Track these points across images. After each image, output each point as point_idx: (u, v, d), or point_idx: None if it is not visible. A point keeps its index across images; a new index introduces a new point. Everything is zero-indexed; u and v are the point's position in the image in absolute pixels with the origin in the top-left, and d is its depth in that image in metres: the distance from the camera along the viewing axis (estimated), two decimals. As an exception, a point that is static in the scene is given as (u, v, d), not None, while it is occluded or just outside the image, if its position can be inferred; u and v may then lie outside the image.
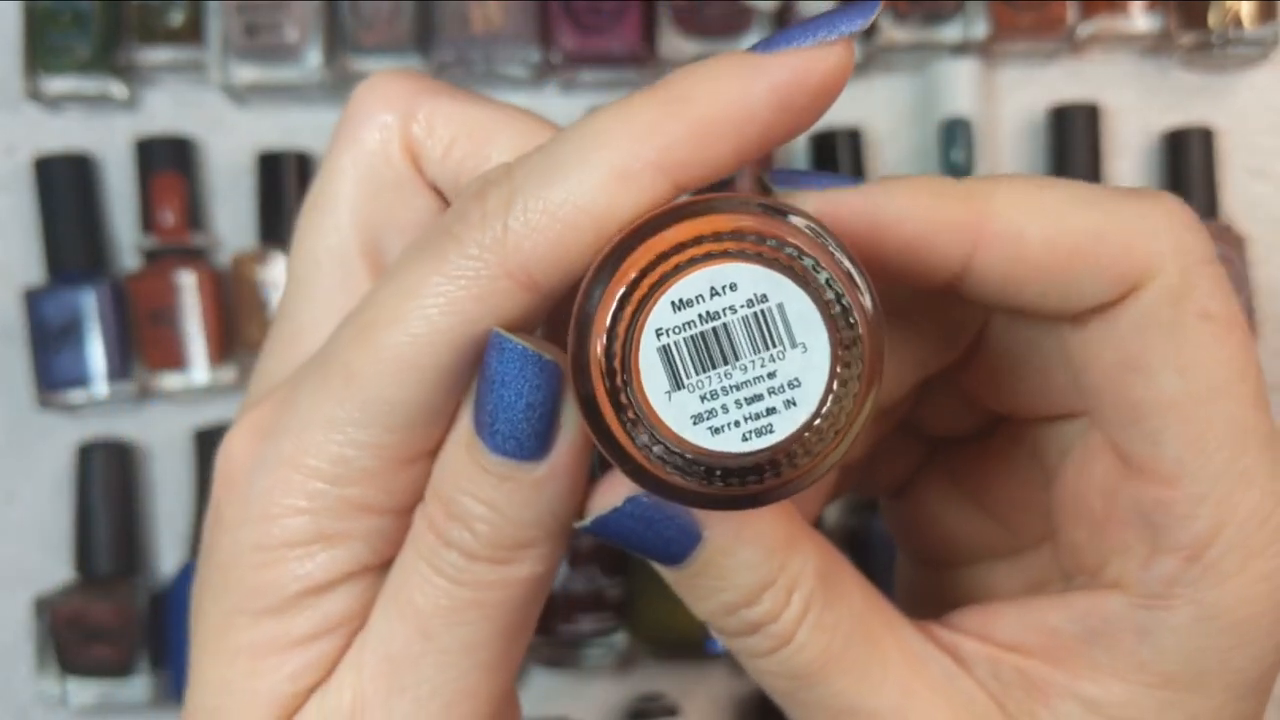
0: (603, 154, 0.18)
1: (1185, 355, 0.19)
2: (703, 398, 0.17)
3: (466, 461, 0.20)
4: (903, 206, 0.20)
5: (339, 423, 0.20)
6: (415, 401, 0.19)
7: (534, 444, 0.19)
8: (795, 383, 0.17)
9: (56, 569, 0.60)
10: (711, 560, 0.20)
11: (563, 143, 0.19)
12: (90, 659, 0.57)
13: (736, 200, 0.18)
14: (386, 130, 0.22)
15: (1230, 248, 0.59)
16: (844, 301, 0.17)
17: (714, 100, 0.18)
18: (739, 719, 0.62)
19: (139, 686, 0.57)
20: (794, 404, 0.17)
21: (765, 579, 0.21)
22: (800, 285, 0.17)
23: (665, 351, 0.17)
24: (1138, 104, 0.62)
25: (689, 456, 0.17)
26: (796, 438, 0.17)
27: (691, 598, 0.21)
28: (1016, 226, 0.20)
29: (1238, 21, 0.59)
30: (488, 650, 0.21)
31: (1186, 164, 0.60)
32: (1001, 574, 0.25)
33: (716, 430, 0.17)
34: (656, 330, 0.17)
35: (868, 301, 0.17)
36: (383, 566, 0.21)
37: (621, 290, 0.17)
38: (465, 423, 0.20)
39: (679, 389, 0.17)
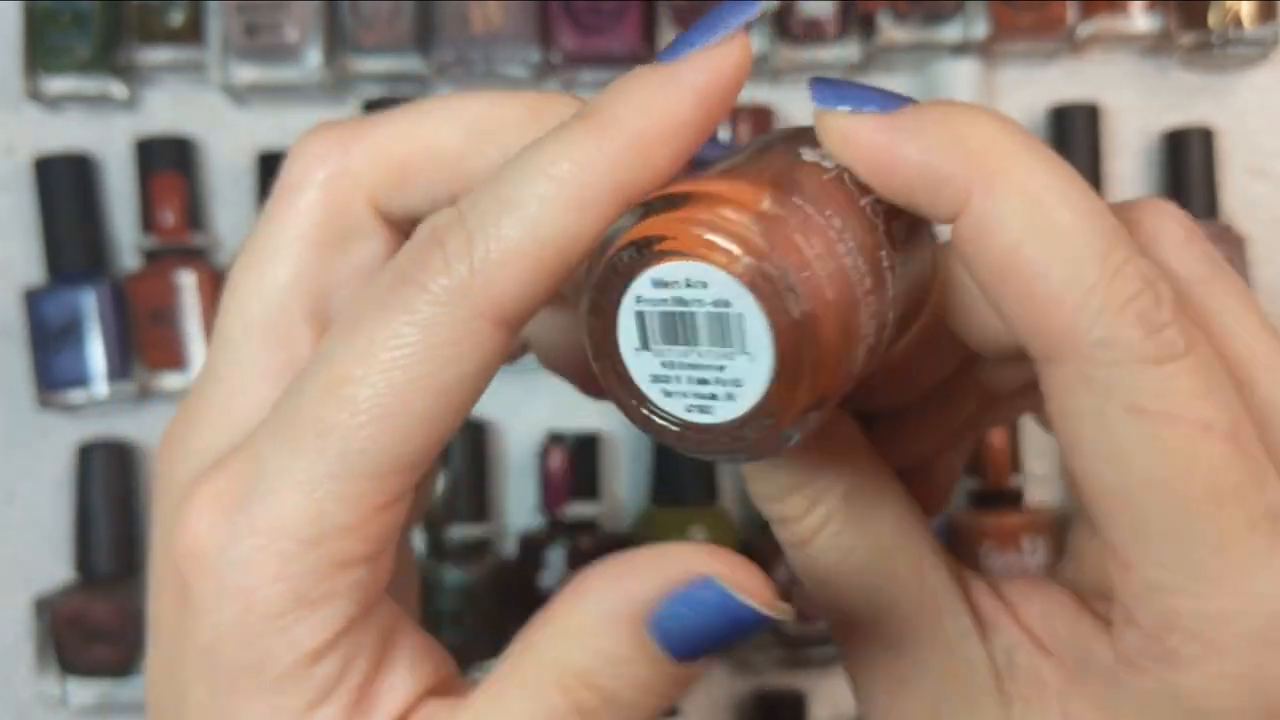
0: (552, 186, 0.19)
1: (1113, 445, 0.19)
2: (663, 364, 0.19)
3: (625, 654, 0.20)
4: (911, 152, 0.20)
5: (314, 481, 0.19)
6: (393, 451, 0.19)
7: (711, 654, 0.20)
8: (737, 383, 0.18)
9: (56, 569, 0.60)
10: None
11: (510, 180, 0.19)
12: (90, 659, 0.57)
13: (748, 180, 0.19)
14: (327, 185, 0.22)
15: (1230, 248, 0.59)
16: (803, 329, 0.18)
17: (644, 118, 0.19)
18: (739, 719, 0.62)
19: (139, 686, 0.57)
20: (732, 399, 0.19)
21: (794, 483, 0.22)
22: (761, 306, 0.18)
23: (640, 316, 0.19)
24: (1138, 104, 0.62)
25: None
26: (728, 427, 0.19)
27: (751, 479, 0.23)
28: (992, 211, 0.19)
29: (1238, 21, 0.59)
30: None
31: (1186, 164, 0.60)
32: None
33: (668, 394, 0.19)
34: (636, 297, 0.19)
35: (844, 321, 0.18)
36: (366, 617, 0.20)
37: (619, 251, 0.18)
38: (615, 604, 0.20)
39: (645, 349, 0.19)
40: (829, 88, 0.21)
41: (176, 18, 0.59)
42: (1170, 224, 0.23)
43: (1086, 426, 0.19)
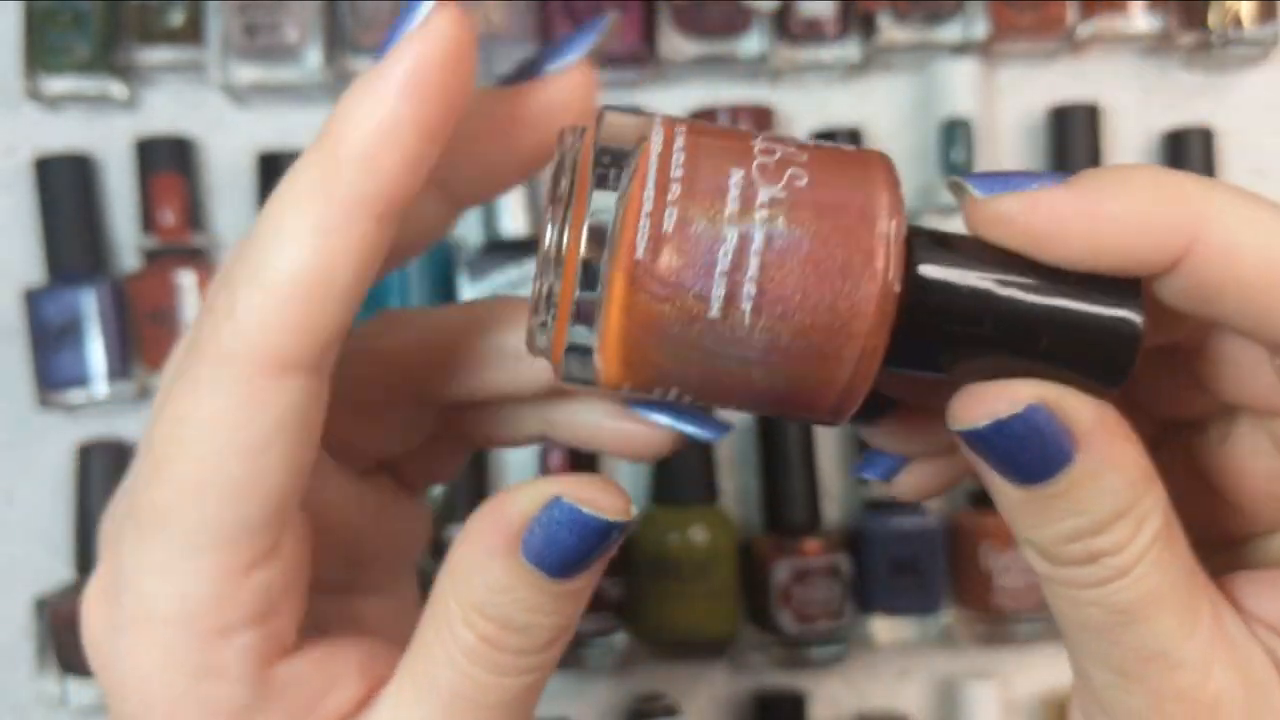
0: (290, 220, 0.19)
1: None
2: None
3: (507, 580, 0.21)
4: (1118, 209, 0.20)
5: (167, 564, 0.20)
6: (229, 519, 0.20)
7: (582, 568, 0.21)
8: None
9: (56, 569, 0.60)
10: (1077, 481, 0.20)
11: (258, 228, 0.19)
12: (90, 659, 0.57)
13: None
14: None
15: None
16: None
17: (359, 128, 0.19)
18: (738, 719, 0.62)
19: (139, 686, 0.57)
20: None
21: (1123, 507, 0.20)
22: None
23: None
24: (1138, 104, 0.62)
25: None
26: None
27: (1032, 521, 0.21)
28: (1233, 239, 0.20)
29: (1238, 21, 0.59)
30: (530, 717, 0.23)
31: (1187, 164, 0.60)
32: (1239, 557, 0.25)
33: None
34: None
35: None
36: (268, 676, 0.21)
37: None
38: (492, 540, 0.21)
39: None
40: (990, 179, 0.21)
41: (176, 18, 0.59)
42: None
43: None
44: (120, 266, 0.61)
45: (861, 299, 0.19)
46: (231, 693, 0.21)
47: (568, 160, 0.20)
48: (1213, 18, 0.59)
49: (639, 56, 0.59)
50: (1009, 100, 0.62)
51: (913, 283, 0.20)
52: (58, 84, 0.59)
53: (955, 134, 0.59)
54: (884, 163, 0.21)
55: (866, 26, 0.59)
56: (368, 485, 0.27)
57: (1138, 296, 0.20)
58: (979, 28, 0.59)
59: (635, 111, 0.21)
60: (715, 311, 0.19)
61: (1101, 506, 0.20)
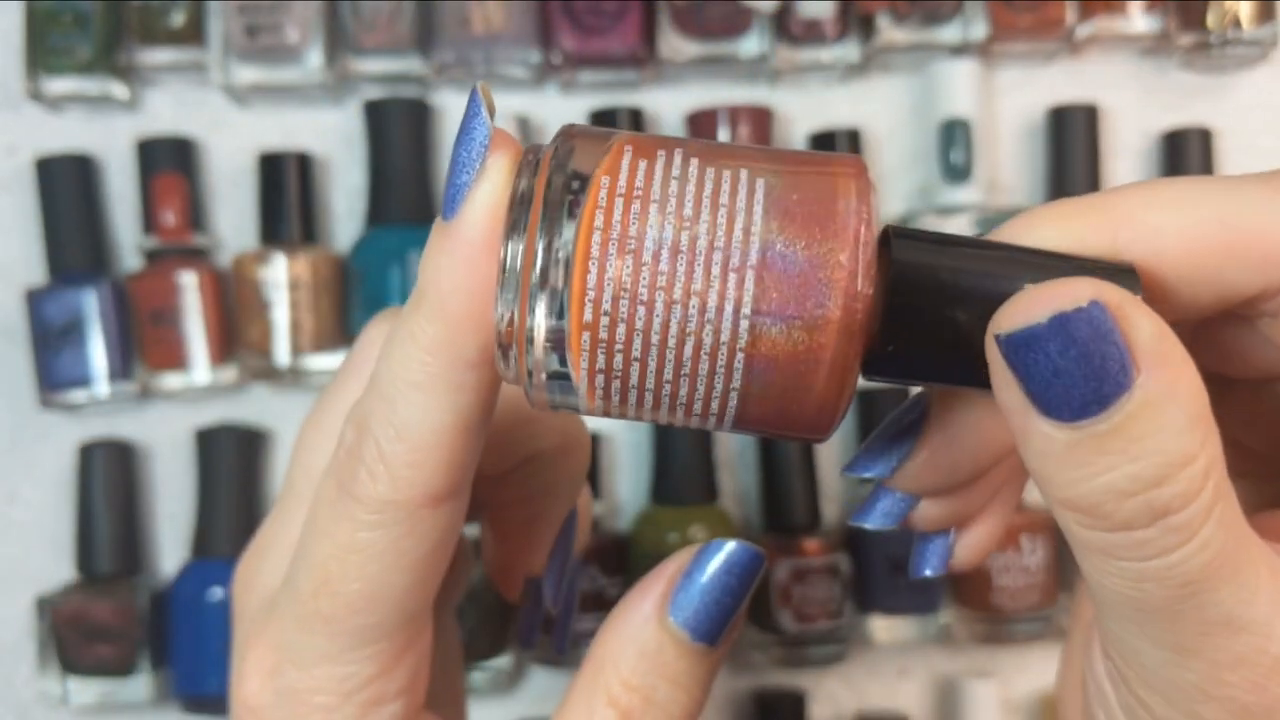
0: (415, 377, 0.21)
1: None
2: None
3: (661, 649, 0.23)
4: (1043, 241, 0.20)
5: (333, 655, 0.23)
6: (391, 620, 0.23)
7: (727, 629, 0.23)
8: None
9: (58, 568, 0.60)
10: (1136, 414, 0.17)
11: (387, 382, 0.22)
12: (91, 658, 0.57)
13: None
14: None
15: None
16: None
17: (448, 286, 0.21)
18: (739, 718, 0.62)
19: (140, 686, 0.57)
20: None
21: (1188, 450, 0.17)
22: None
23: None
24: (1137, 105, 0.62)
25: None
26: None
27: (1078, 471, 0.18)
28: (1153, 224, 0.20)
29: (1236, 22, 0.59)
30: None
31: (1185, 164, 0.60)
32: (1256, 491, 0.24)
33: None
34: None
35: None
36: None
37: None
38: (651, 616, 0.23)
39: None
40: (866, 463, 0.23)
41: (177, 19, 0.59)
42: None
43: None
44: (121, 267, 0.61)
45: (831, 301, 0.19)
46: None
47: (524, 188, 0.20)
48: (1211, 19, 0.59)
49: (639, 57, 0.59)
50: (1008, 101, 0.62)
51: (890, 283, 0.20)
52: (59, 85, 0.59)
53: (954, 135, 0.59)
54: (854, 164, 0.21)
55: (866, 27, 0.60)
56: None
57: (1135, 282, 0.19)
58: (978, 29, 0.59)
59: (598, 130, 0.21)
60: (687, 316, 0.19)
61: (1166, 448, 0.17)
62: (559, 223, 0.19)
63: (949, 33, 0.59)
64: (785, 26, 0.59)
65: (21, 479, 0.61)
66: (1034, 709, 0.62)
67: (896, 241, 0.20)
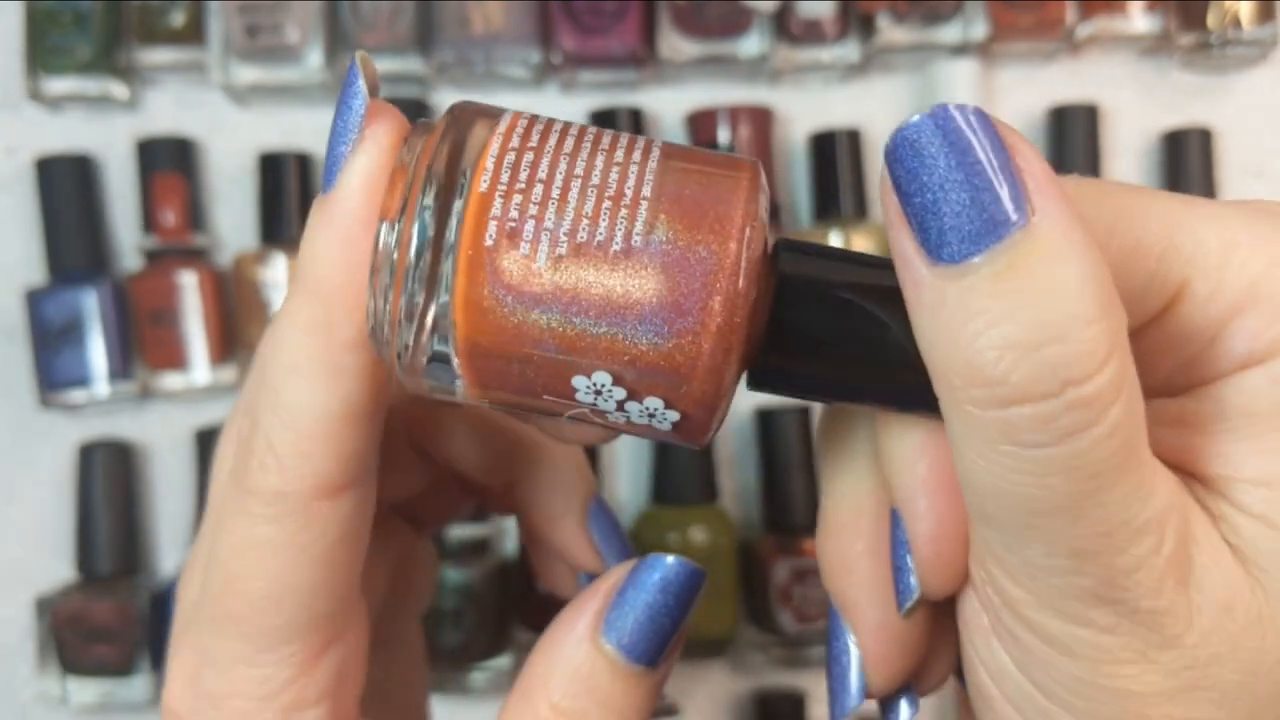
0: (305, 361, 0.20)
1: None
2: None
3: (594, 671, 0.22)
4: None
5: (248, 657, 0.22)
6: (301, 618, 0.22)
7: (665, 651, 0.22)
8: None
9: (57, 568, 0.60)
10: (1032, 253, 0.15)
11: (269, 362, 0.21)
12: (91, 658, 0.57)
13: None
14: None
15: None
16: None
17: (323, 263, 0.20)
18: (739, 719, 0.62)
19: (140, 686, 0.57)
20: None
21: (1089, 310, 0.15)
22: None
23: None
24: (1137, 104, 0.62)
25: None
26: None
27: (972, 321, 0.16)
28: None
29: (1236, 22, 0.59)
30: None
31: (1185, 165, 0.60)
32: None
33: None
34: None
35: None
36: None
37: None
38: (584, 636, 0.22)
39: None
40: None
41: (177, 18, 0.59)
42: None
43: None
44: (121, 267, 0.61)
45: (711, 300, 0.18)
46: None
47: (407, 162, 0.19)
48: (1211, 19, 0.59)
49: (639, 57, 0.59)
50: (1008, 101, 0.62)
51: (775, 289, 0.19)
52: (59, 85, 0.59)
53: (955, 134, 0.59)
54: (750, 166, 0.20)
55: (866, 27, 0.59)
56: (386, 534, 0.27)
57: None
58: (978, 29, 0.59)
59: (490, 108, 0.20)
60: (569, 306, 0.19)
61: (1065, 297, 0.15)
62: (441, 201, 0.19)
63: (949, 33, 0.59)
64: (785, 26, 0.59)
65: (21, 479, 0.61)
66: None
67: (785, 254, 0.20)
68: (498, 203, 0.19)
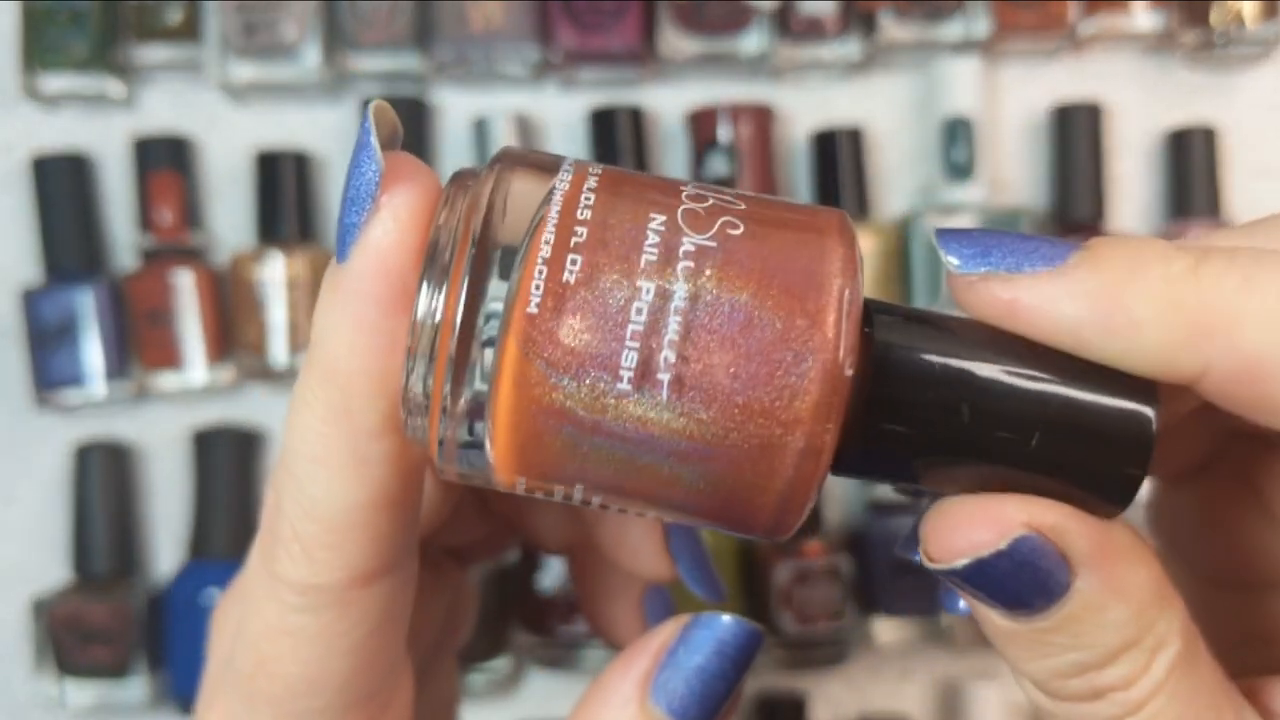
0: (315, 451, 0.19)
1: None
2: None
3: None
4: (1135, 323, 0.17)
5: None
6: (337, 705, 0.21)
7: (718, 716, 0.21)
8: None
9: (54, 570, 0.59)
10: (1075, 615, 0.18)
11: (294, 450, 0.19)
12: (87, 660, 0.56)
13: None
14: None
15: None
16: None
17: (338, 345, 0.18)
18: (738, 719, 0.62)
19: (136, 687, 0.57)
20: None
21: (1131, 639, 0.18)
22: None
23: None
24: (1140, 103, 0.62)
25: None
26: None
27: (1027, 655, 0.19)
28: (1255, 359, 0.17)
29: (1240, 20, 0.59)
30: None
31: (1189, 163, 0.60)
32: None
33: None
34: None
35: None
36: None
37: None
38: (631, 699, 0.21)
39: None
40: (968, 242, 0.18)
41: (174, 16, 0.58)
42: None
43: None
44: (118, 266, 0.61)
45: (806, 378, 0.16)
46: None
47: (451, 231, 0.17)
48: (1215, 16, 0.59)
49: (639, 55, 0.59)
50: (1011, 99, 0.62)
51: (871, 362, 0.17)
52: (55, 82, 0.58)
53: (957, 133, 0.59)
54: (838, 219, 0.17)
55: (867, 24, 0.59)
56: (435, 574, 0.26)
57: (1152, 388, 0.17)
58: (980, 26, 0.59)
59: (542, 160, 0.18)
60: (625, 384, 0.16)
61: (1106, 640, 0.18)
62: (486, 276, 0.16)
63: (951, 30, 0.59)
64: (786, 23, 0.59)
65: (17, 479, 0.60)
66: (1037, 712, 0.61)
67: (878, 317, 0.17)
68: (549, 249, 0.16)
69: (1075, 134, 0.60)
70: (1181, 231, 0.59)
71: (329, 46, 0.59)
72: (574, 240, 0.16)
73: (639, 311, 0.16)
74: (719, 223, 0.16)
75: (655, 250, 0.16)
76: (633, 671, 0.21)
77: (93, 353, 0.58)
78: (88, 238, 0.59)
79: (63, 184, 0.58)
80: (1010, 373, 0.17)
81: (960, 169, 0.59)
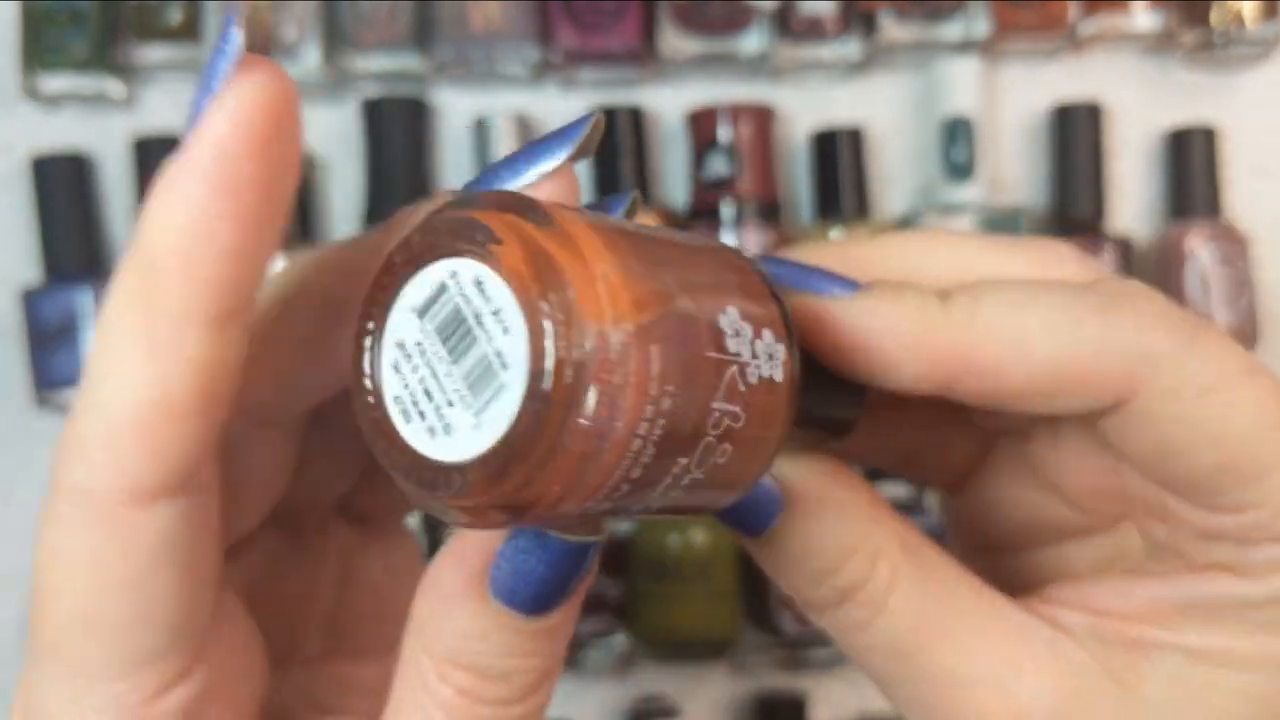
0: (121, 343, 0.17)
1: (1207, 431, 0.20)
2: (411, 377, 0.17)
3: (479, 625, 0.19)
4: (887, 329, 0.21)
5: (69, 698, 0.20)
6: (119, 654, 0.19)
7: (559, 603, 0.20)
8: (475, 426, 0.16)
9: (53, 570, 0.59)
10: (794, 527, 0.21)
11: (95, 343, 0.18)
12: (87, 660, 0.56)
13: (639, 281, 0.16)
14: None
15: (1234, 247, 0.59)
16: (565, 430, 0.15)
17: (170, 233, 0.17)
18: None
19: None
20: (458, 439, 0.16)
21: (848, 544, 0.21)
22: (537, 384, 0.15)
23: (421, 310, 0.17)
24: (1140, 103, 0.62)
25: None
26: (450, 468, 0.16)
27: (779, 570, 0.22)
28: (996, 360, 0.20)
29: (1239, 20, 0.59)
30: None
31: (1189, 163, 0.60)
32: (1069, 555, 0.25)
33: (407, 416, 0.17)
34: (433, 282, 0.16)
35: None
36: None
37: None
38: (456, 583, 0.19)
39: (401, 363, 0.17)
40: (777, 267, 0.21)
41: (174, 16, 0.58)
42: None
43: (1176, 434, 0.21)
44: (117, 266, 0.60)
45: (778, 372, 0.18)
46: None
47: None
48: (1215, 16, 0.59)
49: (639, 54, 0.59)
50: (1010, 99, 0.62)
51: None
52: (55, 83, 0.58)
53: (957, 133, 0.59)
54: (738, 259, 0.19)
55: (868, 25, 0.59)
56: (321, 540, 0.25)
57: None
58: (980, 26, 0.59)
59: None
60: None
61: (827, 546, 0.21)
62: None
63: (951, 30, 0.59)
64: (786, 23, 0.59)
65: (16, 479, 0.60)
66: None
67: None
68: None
69: (1075, 134, 0.60)
70: (1182, 231, 0.59)
71: (329, 47, 0.59)
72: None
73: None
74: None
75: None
76: (465, 565, 0.20)
77: (93, 353, 0.58)
78: (88, 238, 0.59)
79: (63, 184, 0.58)
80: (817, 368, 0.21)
81: (960, 169, 0.59)
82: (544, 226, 0.15)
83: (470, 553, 0.19)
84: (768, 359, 0.18)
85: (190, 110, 0.17)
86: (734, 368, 0.17)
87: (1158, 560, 0.23)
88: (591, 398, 0.15)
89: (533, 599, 0.19)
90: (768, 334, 0.18)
